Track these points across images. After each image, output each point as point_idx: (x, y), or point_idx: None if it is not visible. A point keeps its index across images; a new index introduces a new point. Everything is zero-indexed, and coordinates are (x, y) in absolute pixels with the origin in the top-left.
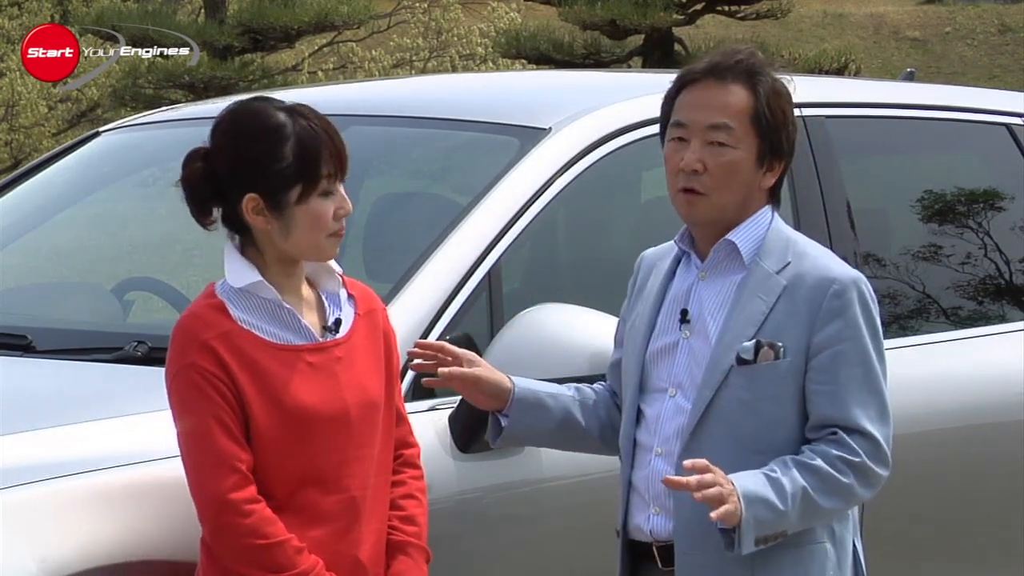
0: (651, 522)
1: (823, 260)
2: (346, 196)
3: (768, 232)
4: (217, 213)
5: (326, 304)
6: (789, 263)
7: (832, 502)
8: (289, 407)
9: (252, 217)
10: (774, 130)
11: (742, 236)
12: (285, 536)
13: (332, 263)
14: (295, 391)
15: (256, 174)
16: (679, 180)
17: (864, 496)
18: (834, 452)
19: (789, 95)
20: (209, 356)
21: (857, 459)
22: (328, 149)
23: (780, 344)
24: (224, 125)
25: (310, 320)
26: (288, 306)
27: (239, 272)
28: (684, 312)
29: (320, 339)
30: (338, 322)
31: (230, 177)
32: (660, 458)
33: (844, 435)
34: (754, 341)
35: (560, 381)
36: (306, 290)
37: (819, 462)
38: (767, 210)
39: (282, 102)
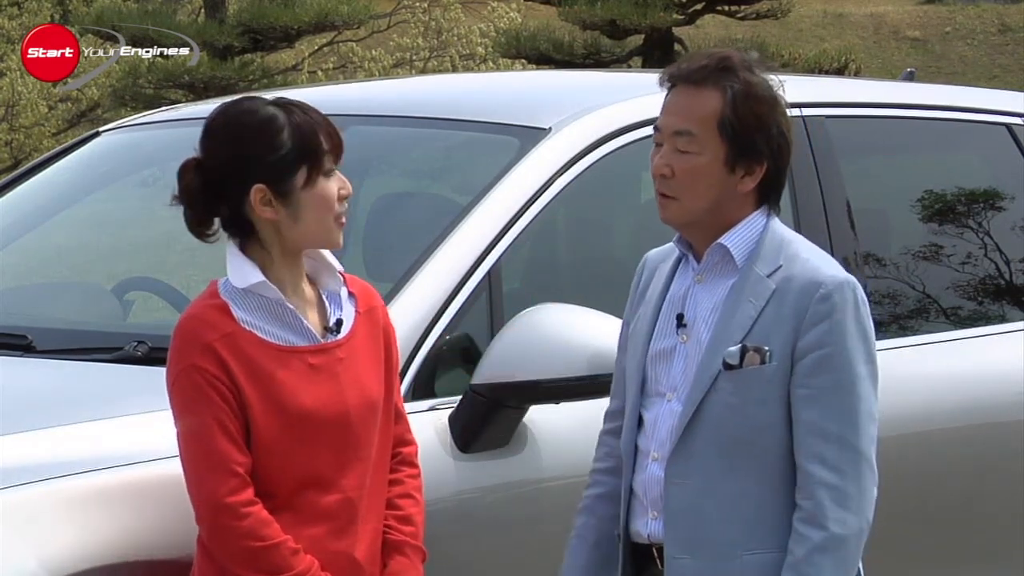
0: (650, 527)
1: (813, 263)
2: (344, 178)
3: (763, 235)
4: (216, 223)
5: (327, 303)
6: (780, 266)
7: (848, 554)
8: (290, 410)
9: (260, 209)
10: (743, 135)
11: (734, 240)
12: (281, 538)
13: (333, 261)
14: (296, 393)
15: (259, 166)
16: (655, 183)
17: (864, 510)
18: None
19: (771, 97)
20: (211, 358)
21: (826, 511)
22: (324, 130)
23: (767, 348)
24: (217, 126)
25: (312, 320)
26: (291, 307)
27: (242, 272)
28: (680, 316)
29: (322, 340)
30: (339, 322)
31: (232, 176)
32: (656, 463)
33: (810, 492)
34: (740, 346)
35: (560, 381)
36: (307, 289)
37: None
38: (757, 215)
39: (267, 98)
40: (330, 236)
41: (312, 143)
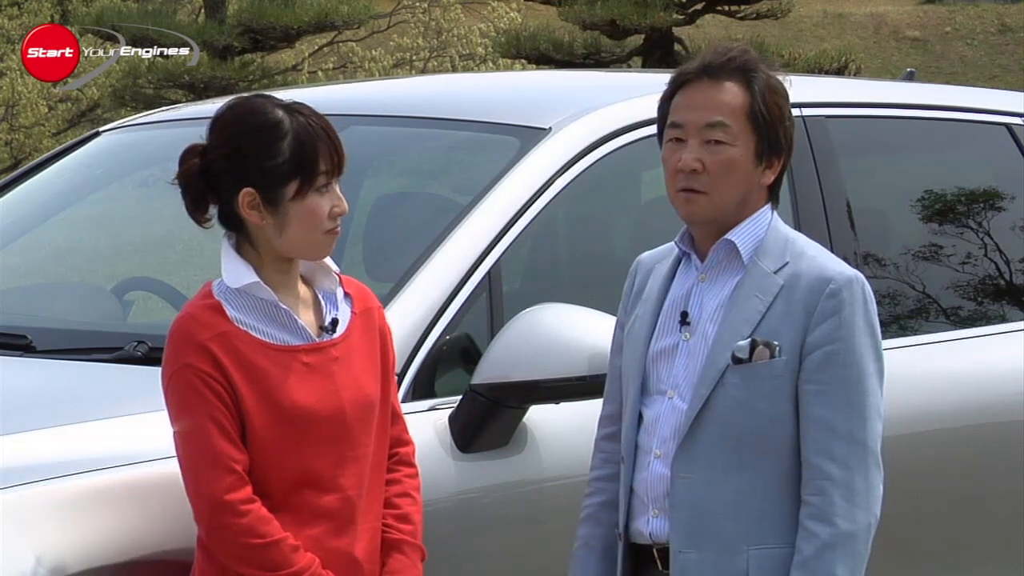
0: (650, 525)
1: (820, 259)
2: (342, 196)
3: (768, 232)
4: (213, 210)
5: (323, 303)
6: (787, 263)
7: (855, 551)
8: (285, 408)
9: (247, 212)
10: (771, 126)
11: (741, 236)
12: (281, 535)
13: (329, 261)
14: (291, 392)
15: (253, 169)
16: (678, 180)
17: (871, 505)
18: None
19: (785, 92)
20: (205, 357)
21: (833, 506)
22: (326, 146)
23: (776, 343)
24: (223, 121)
25: (307, 320)
26: (285, 307)
27: (235, 272)
28: (684, 314)
29: (317, 339)
30: (335, 321)
31: (227, 172)
32: (659, 460)
33: (818, 482)
34: (749, 340)
35: (560, 381)
36: (303, 289)
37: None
38: (766, 209)
39: (280, 100)
40: (315, 250)
41: (309, 158)
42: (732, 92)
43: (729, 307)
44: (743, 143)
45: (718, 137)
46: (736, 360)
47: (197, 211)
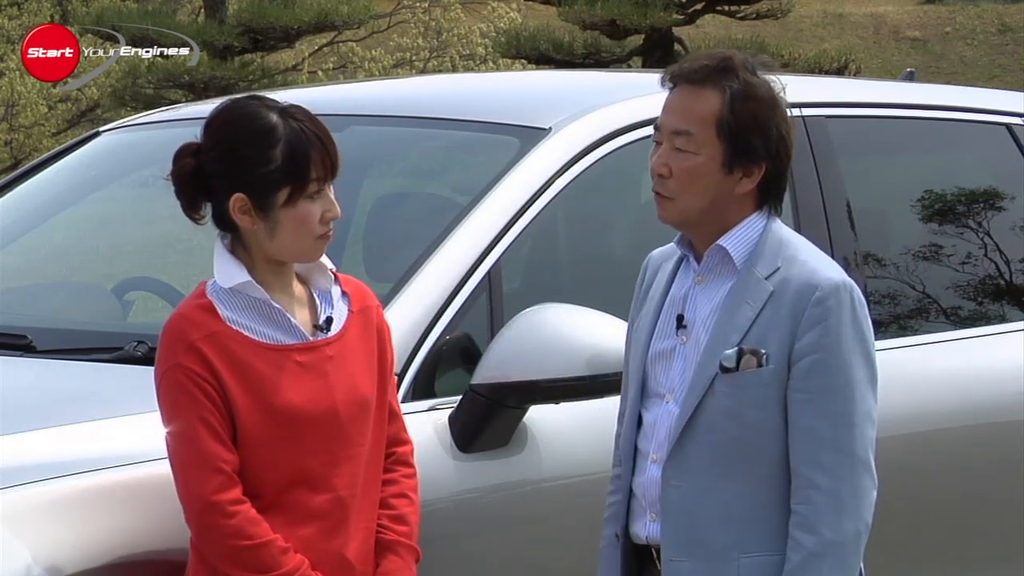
0: (648, 528)
1: (811, 265)
2: (334, 200)
3: (762, 237)
4: (207, 208)
5: (318, 302)
6: (778, 268)
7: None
8: (277, 407)
9: (238, 216)
10: (740, 136)
11: (733, 241)
12: (270, 536)
13: (325, 260)
14: (283, 391)
15: (244, 175)
16: (653, 183)
17: (860, 513)
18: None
19: (770, 99)
20: (196, 357)
21: (820, 514)
22: (318, 152)
23: (763, 351)
24: (216, 124)
25: (301, 319)
26: (278, 305)
27: (228, 272)
28: (680, 317)
29: (311, 338)
30: (329, 320)
31: (219, 175)
32: (655, 464)
33: (806, 490)
34: (736, 349)
35: (560, 381)
36: (298, 288)
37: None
38: (756, 216)
39: (275, 102)
40: (306, 254)
41: (301, 166)
42: (706, 100)
43: (721, 313)
44: (708, 152)
45: (680, 145)
46: (724, 369)
47: (191, 209)
